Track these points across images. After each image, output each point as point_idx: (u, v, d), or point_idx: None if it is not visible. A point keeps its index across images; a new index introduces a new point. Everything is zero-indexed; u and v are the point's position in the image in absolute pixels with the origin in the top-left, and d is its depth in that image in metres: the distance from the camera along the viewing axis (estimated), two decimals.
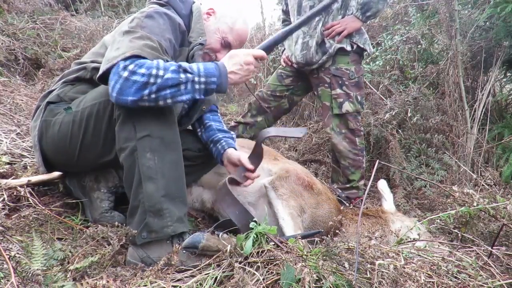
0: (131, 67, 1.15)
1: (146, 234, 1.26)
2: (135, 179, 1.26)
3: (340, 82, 2.29)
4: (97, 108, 1.33)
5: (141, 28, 1.27)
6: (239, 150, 1.64)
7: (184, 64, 1.22)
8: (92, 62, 1.46)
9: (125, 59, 1.16)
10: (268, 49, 1.48)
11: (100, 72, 1.22)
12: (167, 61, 1.25)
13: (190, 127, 1.77)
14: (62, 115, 1.38)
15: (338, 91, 2.30)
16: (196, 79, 1.22)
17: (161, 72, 1.17)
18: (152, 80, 1.16)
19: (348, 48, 2.27)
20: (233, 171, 1.59)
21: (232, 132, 1.75)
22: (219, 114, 1.83)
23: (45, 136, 1.41)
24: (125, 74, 1.15)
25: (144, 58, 1.19)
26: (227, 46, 1.55)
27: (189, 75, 1.21)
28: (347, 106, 2.30)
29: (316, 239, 1.47)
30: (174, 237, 1.32)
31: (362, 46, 2.30)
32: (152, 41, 1.24)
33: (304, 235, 1.42)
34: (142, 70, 1.15)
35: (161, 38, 1.29)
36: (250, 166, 1.54)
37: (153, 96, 1.17)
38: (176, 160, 1.32)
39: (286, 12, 2.60)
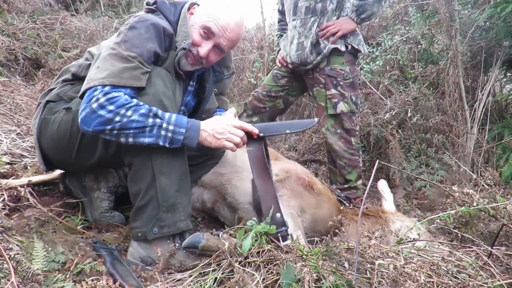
0: (102, 100, 1.17)
1: (157, 229, 1.27)
2: (147, 176, 1.27)
3: (334, 82, 2.29)
4: None
5: (124, 43, 1.25)
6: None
7: (155, 109, 1.22)
8: (87, 60, 1.46)
9: (102, 86, 1.18)
10: (266, 130, 1.41)
11: (81, 91, 1.24)
12: (147, 72, 1.26)
13: None
14: (62, 113, 1.38)
15: (333, 91, 2.30)
16: (164, 125, 1.21)
17: (128, 113, 1.18)
18: (117, 118, 1.17)
19: (343, 48, 2.27)
20: None
21: None
22: None
23: (44, 134, 1.42)
24: (94, 105, 1.17)
25: (122, 87, 1.20)
26: (208, 35, 1.38)
27: (157, 120, 1.21)
28: (342, 107, 2.30)
29: (316, 239, 1.47)
30: (175, 236, 1.32)
31: (356, 47, 2.31)
32: (131, 61, 1.23)
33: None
34: (111, 107, 1.17)
35: (142, 49, 1.26)
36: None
37: (114, 132, 1.19)
38: (183, 157, 1.34)
39: (282, 12, 2.60)
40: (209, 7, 1.42)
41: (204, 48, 1.39)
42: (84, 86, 1.22)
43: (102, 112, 1.16)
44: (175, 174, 1.31)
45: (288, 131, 1.47)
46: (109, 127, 1.18)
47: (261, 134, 1.40)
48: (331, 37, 2.23)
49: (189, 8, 1.47)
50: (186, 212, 1.33)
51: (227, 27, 1.38)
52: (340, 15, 2.26)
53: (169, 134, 1.22)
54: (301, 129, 1.53)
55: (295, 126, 1.49)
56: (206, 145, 1.32)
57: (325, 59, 2.29)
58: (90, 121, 1.17)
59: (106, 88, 1.19)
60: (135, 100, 1.21)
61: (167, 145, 1.23)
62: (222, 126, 1.33)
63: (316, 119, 1.55)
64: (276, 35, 2.73)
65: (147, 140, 1.21)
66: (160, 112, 1.22)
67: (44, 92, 1.51)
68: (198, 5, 1.51)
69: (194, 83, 1.60)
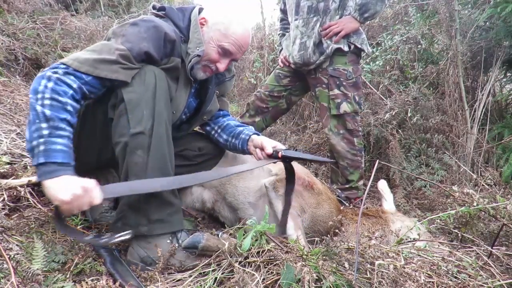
0: (56, 75, 1.17)
1: (120, 224, 1.29)
2: (123, 174, 1.29)
3: (337, 82, 2.28)
4: (92, 105, 1.36)
5: (121, 37, 1.28)
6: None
7: (51, 116, 1.11)
8: None
9: (70, 65, 1.19)
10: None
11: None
12: (131, 68, 1.27)
13: (199, 130, 1.79)
14: None
15: (336, 91, 2.29)
16: (42, 140, 1.09)
17: (46, 102, 1.12)
18: (38, 95, 1.13)
19: (346, 48, 2.26)
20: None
21: (250, 126, 1.73)
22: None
23: None
24: (48, 73, 1.17)
25: (84, 73, 1.20)
26: (225, 54, 1.47)
27: (43, 131, 1.10)
28: (345, 107, 2.29)
29: (316, 239, 1.47)
30: (174, 237, 1.32)
31: (359, 46, 2.30)
32: (113, 53, 1.24)
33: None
34: (50, 84, 1.15)
35: (134, 46, 1.27)
36: (269, 150, 1.52)
37: (30, 105, 1.16)
38: (165, 160, 1.31)
39: (284, 11, 2.60)
40: (222, 23, 1.45)
41: (223, 65, 1.50)
42: (64, 58, 1.24)
43: (42, 81, 1.15)
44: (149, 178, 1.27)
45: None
46: (31, 97, 1.14)
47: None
48: (334, 37, 2.22)
49: (198, 13, 1.49)
50: (151, 219, 1.29)
51: (243, 45, 1.49)
52: (343, 14, 2.24)
53: (41, 148, 1.10)
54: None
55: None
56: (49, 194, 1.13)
57: (328, 59, 2.28)
58: (34, 81, 1.16)
59: (70, 69, 1.20)
60: (67, 100, 1.16)
61: (30, 154, 1.13)
62: (73, 188, 1.10)
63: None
64: (279, 35, 2.72)
65: (27, 133, 1.12)
66: (54, 126, 1.11)
67: None
68: (203, 8, 1.53)
69: (196, 85, 1.60)
